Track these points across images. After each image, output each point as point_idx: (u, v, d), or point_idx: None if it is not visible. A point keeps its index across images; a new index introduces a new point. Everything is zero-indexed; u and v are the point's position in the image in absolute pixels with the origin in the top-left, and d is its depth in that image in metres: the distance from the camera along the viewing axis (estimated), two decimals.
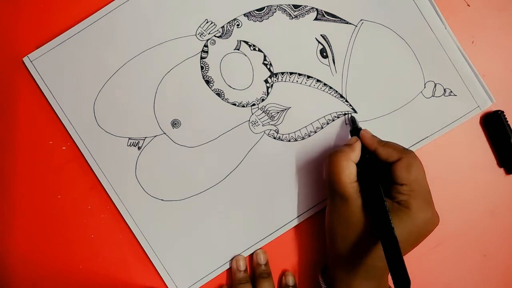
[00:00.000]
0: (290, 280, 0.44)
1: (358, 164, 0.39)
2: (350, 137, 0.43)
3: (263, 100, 0.44)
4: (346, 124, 0.44)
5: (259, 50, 0.44)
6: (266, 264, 0.44)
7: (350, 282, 0.38)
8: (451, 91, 0.44)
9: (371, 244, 0.36)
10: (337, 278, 0.39)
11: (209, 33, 0.44)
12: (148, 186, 0.44)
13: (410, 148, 0.44)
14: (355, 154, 0.39)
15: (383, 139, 0.39)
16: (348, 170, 0.38)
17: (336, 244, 0.38)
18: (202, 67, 0.44)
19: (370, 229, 0.37)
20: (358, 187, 0.38)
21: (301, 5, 0.44)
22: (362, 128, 0.42)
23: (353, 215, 0.37)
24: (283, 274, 0.44)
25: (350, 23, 0.44)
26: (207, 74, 0.44)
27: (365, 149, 0.39)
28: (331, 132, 0.44)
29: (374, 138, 0.40)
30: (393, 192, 0.37)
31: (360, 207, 0.37)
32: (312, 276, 0.44)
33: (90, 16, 0.44)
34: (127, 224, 0.44)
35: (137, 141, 0.44)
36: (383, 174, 0.38)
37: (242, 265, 0.43)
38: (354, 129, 0.42)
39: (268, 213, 0.44)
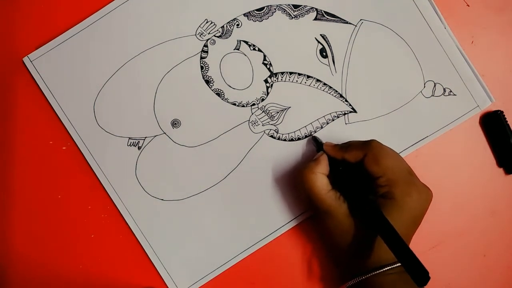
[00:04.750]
0: None
1: (334, 175, 0.39)
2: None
3: (263, 100, 0.44)
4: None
5: (259, 50, 0.44)
6: None
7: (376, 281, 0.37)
8: (451, 91, 0.44)
9: (375, 239, 0.37)
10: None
11: (209, 33, 0.44)
12: (148, 186, 0.44)
13: (410, 147, 0.44)
14: (321, 166, 0.39)
15: (377, 138, 0.39)
16: (318, 182, 0.38)
17: (341, 254, 0.39)
18: (202, 67, 0.44)
19: (365, 230, 0.37)
20: (337, 194, 0.38)
21: (301, 5, 0.44)
22: (325, 141, 0.42)
23: (342, 222, 0.38)
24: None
25: (349, 23, 0.44)
26: (207, 74, 0.44)
27: (336, 161, 0.40)
28: (331, 132, 0.44)
29: (336, 147, 0.40)
30: (375, 187, 0.37)
31: (346, 213, 0.38)
32: (313, 275, 0.44)
33: (90, 16, 0.44)
34: (127, 224, 0.44)
35: (137, 141, 0.44)
36: (362, 174, 0.38)
37: None
38: (319, 146, 0.42)
39: (269, 212, 0.44)
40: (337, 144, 0.41)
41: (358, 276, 0.37)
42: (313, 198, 0.38)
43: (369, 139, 0.39)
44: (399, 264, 0.36)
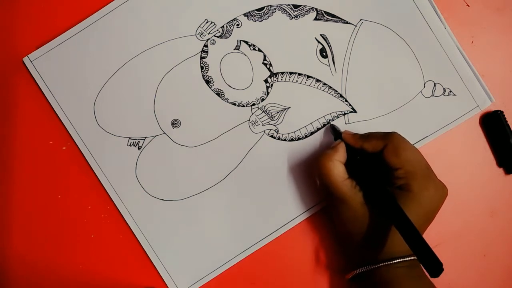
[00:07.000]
0: None
1: (351, 164, 0.39)
2: None
3: (263, 100, 0.44)
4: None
5: (259, 50, 0.44)
6: None
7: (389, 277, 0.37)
8: (451, 91, 0.44)
9: (388, 230, 0.37)
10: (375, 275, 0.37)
11: (209, 33, 0.44)
12: (148, 186, 0.44)
13: None
14: (339, 154, 0.39)
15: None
16: (335, 169, 0.38)
17: (352, 243, 0.39)
18: (202, 67, 0.44)
19: (380, 219, 0.37)
20: (352, 183, 0.38)
21: (301, 5, 0.44)
22: (343, 130, 0.42)
23: (357, 211, 0.37)
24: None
25: (349, 23, 0.44)
26: (207, 74, 0.44)
27: (354, 150, 0.40)
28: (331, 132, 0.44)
29: (356, 136, 0.40)
30: (392, 178, 0.37)
31: (361, 203, 0.37)
32: (314, 275, 0.44)
33: (90, 16, 0.44)
34: (127, 224, 0.44)
35: (137, 141, 0.44)
36: (379, 164, 0.38)
37: None
38: (337, 134, 0.42)
39: (269, 212, 0.44)
40: (356, 133, 0.41)
41: (367, 266, 0.37)
42: (329, 185, 0.38)
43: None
44: (408, 258, 0.36)
